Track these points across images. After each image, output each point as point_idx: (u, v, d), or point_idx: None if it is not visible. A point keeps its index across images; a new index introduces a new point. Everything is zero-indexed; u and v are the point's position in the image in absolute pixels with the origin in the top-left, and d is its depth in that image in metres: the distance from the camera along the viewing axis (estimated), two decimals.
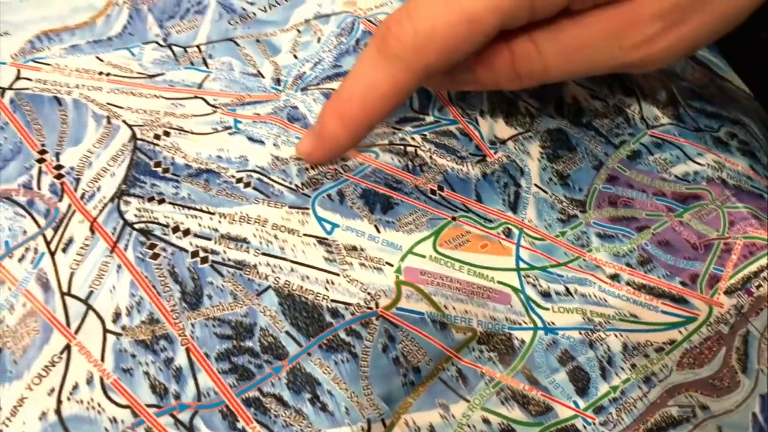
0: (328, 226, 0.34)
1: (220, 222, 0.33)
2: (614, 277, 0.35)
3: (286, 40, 0.41)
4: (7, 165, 0.33)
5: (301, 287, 0.32)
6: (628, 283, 0.35)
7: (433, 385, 0.31)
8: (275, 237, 0.33)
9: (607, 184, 0.39)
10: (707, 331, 0.34)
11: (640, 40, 0.31)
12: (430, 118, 0.39)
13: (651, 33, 0.31)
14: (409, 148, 0.37)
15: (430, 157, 0.37)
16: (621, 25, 0.31)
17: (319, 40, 0.41)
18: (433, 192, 0.36)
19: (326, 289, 0.32)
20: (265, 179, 0.34)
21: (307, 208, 0.34)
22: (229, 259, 0.32)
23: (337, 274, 0.33)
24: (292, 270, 0.32)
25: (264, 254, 0.32)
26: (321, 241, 0.33)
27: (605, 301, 0.34)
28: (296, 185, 0.35)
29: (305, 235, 0.33)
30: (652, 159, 0.40)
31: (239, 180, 0.34)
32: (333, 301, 0.32)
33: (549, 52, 0.33)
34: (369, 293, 0.32)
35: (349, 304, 0.32)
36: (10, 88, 0.36)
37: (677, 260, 0.36)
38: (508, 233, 0.35)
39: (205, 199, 0.33)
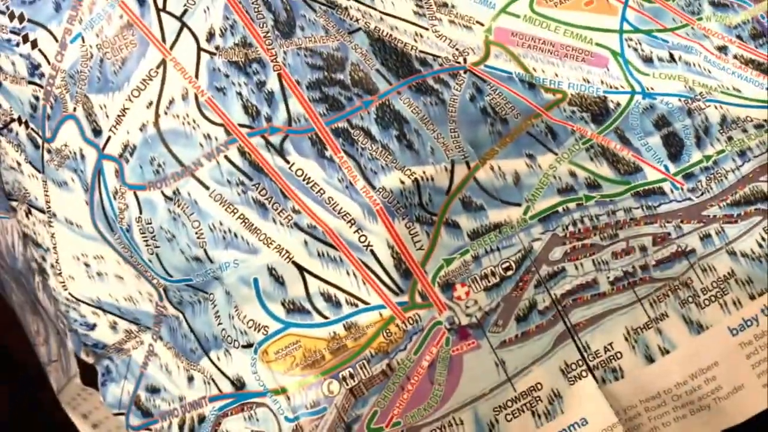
0: None
1: None
2: (722, 49, 0.33)
3: None
4: None
5: (390, 35, 0.31)
6: (735, 57, 0.33)
7: (520, 138, 0.31)
8: None
9: None
10: None
11: None
12: None
13: None
14: None
15: None
16: None
17: None
18: None
19: (415, 40, 0.31)
20: None
21: None
22: None
23: (426, 29, 0.32)
24: (381, 19, 0.31)
25: (354, 0, 0.32)
26: None
27: (709, 72, 0.32)
28: None
29: None
30: None
31: None
32: (422, 51, 0.31)
33: None
34: (457, 49, 0.32)
35: (438, 56, 0.31)
36: None
37: None
38: None
39: None
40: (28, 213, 0.34)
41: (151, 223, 0.30)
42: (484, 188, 0.30)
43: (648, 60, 0.32)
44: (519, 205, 0.30)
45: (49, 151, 0.32)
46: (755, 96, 0.32)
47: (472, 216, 0.30)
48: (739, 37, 0.33)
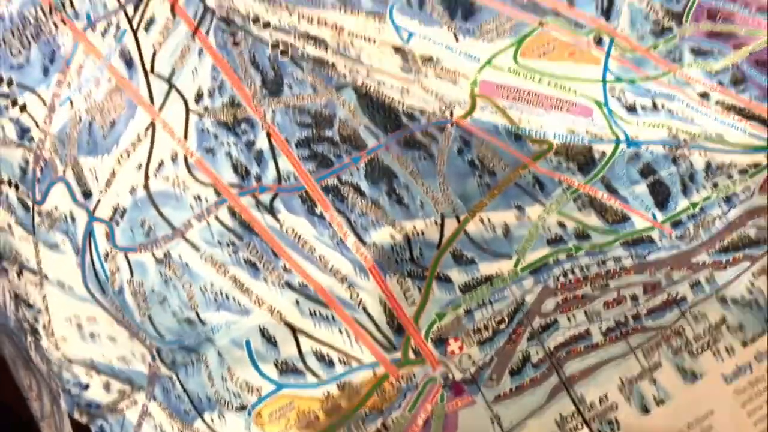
0: (405, 34, 0.33)
1: (299, 21, 0.32)
2: (704, 96, 0.33)
3: None
4: None
5: (378, 90, 0.32)
6: (717, 102, 0.33)
7: (509, 189, 0.31)
8: (351, 44, 0.32)
9: None
10: None
11: None
12: None
13: None
14: None
15: None
16: None
17: None
18: None
19: (401, 95, 0.32)
20: None
21: (384, 15, 0.33)
22: (308, 55, 0.32)
23: (413, 83, 0.32)
24: (368, 75, 0.32)
25: (341, 55, 0.32)
26: (397, 49, 0.33)
27: (692, 119, 0.33)
28: None
29: (382, 43, 0.33)
30: None
31: None
32: (408, 106, 0.32)
33: None
34: (444, 103, 0.32)
35: (424, 111, 0.32)
36: None
37: None
38: (599, 41, 0.34)
39: None
40: (19, 274, 0.34)
41: (142, 286, 0.30)
42: (475, 241, 0.30)
43: (631, 109, 0.32)
44: (509, 257, 0.30)
45: (39, 214, 0.32)
46: (738, 141, 0.33)
47: (463, 269, 0.30)
48: (720, 83, 0.34)
